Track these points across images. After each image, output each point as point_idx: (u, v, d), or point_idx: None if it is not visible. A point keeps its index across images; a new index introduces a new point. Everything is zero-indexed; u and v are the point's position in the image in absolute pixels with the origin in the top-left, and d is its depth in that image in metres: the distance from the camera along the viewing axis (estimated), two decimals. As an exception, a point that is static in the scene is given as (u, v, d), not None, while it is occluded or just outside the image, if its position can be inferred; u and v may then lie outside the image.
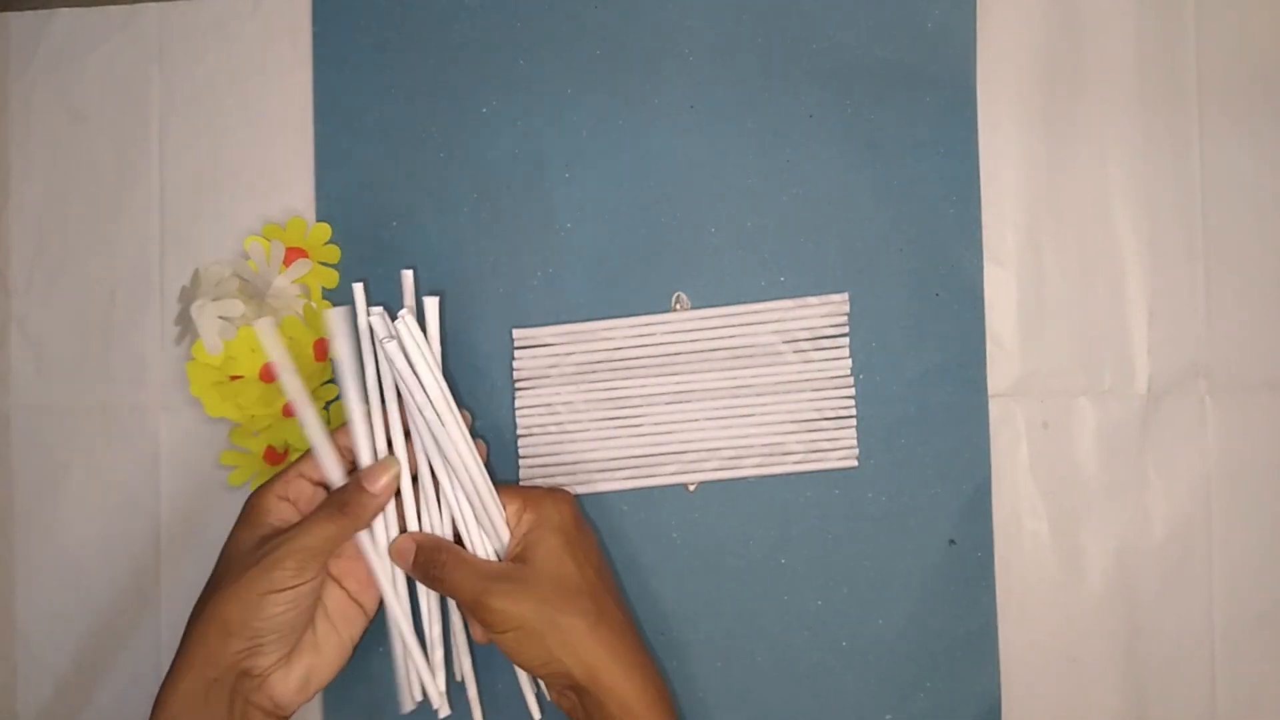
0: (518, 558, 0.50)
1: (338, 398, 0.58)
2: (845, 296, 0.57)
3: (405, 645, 0.52)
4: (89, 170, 0.61)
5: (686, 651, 0.57)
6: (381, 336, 0.50)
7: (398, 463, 0.50)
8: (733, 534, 0.57)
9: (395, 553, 0.50)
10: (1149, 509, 0.56)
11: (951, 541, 0.56)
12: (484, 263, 0.58)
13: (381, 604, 0.52)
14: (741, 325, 0.57)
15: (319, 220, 0.59)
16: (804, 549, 0.57)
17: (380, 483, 0.48)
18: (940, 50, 0.57)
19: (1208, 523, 0.56)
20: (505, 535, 0.52)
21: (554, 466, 0.57)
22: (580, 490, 0.57)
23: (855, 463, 0.56)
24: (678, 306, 0.58)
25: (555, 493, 0.53)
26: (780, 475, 0.57)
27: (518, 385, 0.58)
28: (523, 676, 0.55)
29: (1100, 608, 0.56)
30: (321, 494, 0.50)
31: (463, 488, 0.51)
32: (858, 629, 0.56)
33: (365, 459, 0.50)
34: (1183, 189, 0.56)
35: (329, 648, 0.50)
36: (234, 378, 0.56)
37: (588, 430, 0.57)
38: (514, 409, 0.58)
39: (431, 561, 0.49)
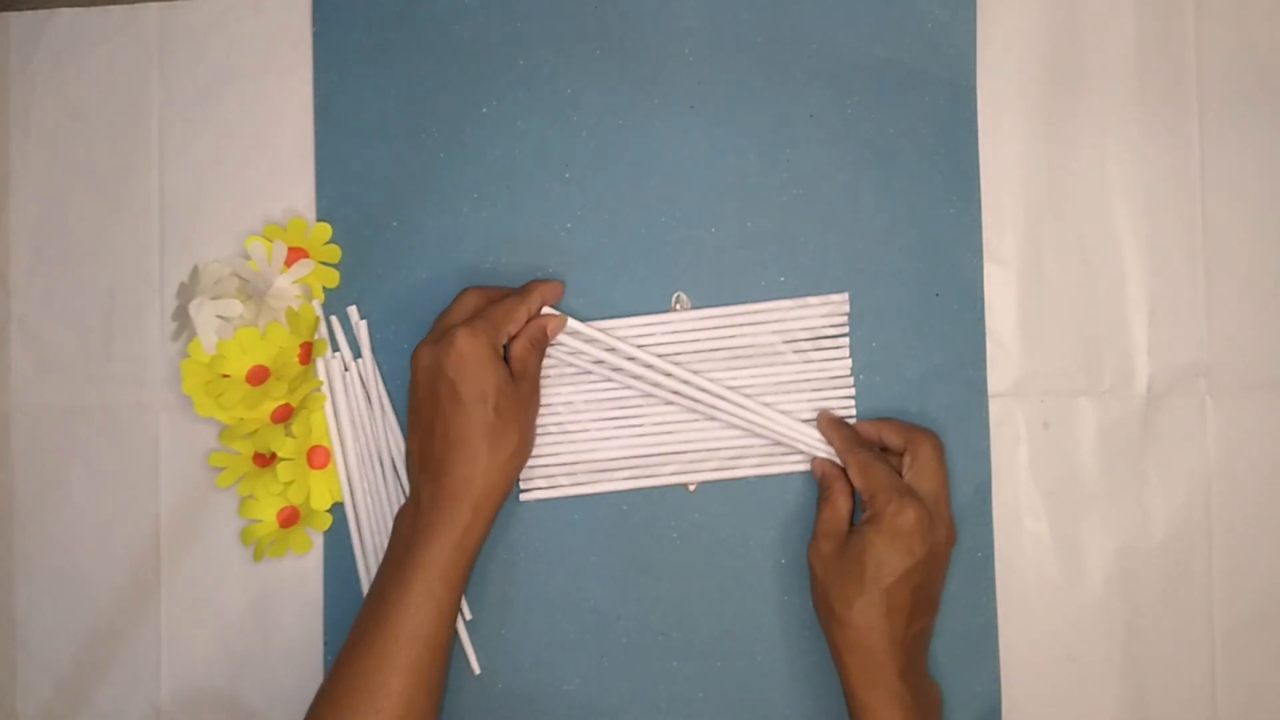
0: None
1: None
2: (845, 296, 0.57)
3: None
4: (89, 170, 0.61)
5: (686, 651, 0.57)
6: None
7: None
8: (733, 534, 0.57)
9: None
10: (1149, 509, 0.56)
11: (951, 541, 0.56)
12: (484, 262, 0.58)
13: None
14: (741, 325, 0.57)
15: (319, 220, 0.59)
16: (804, 549, 0.56)
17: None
18: (940, 50, 0.57)
19: (1208, 523, 0.56)
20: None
21: (554, 466, 0.57)
22: (580, 491, 0.57)
23: (855, 463, 0.56)
24: (678, 306, 0.58)
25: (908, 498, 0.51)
26: (780, 475, 0.57)
27: (518, 385, 0.58)
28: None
29: (1100, 608, 0.56)
30: None
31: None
32: (858, 629, 0.56)
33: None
34: (1183, 189, 0.56)
35: None
36: (223, 376, 0.56)
37: (588, 430, 0.57)
38: (514, 409, 0.58)
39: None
